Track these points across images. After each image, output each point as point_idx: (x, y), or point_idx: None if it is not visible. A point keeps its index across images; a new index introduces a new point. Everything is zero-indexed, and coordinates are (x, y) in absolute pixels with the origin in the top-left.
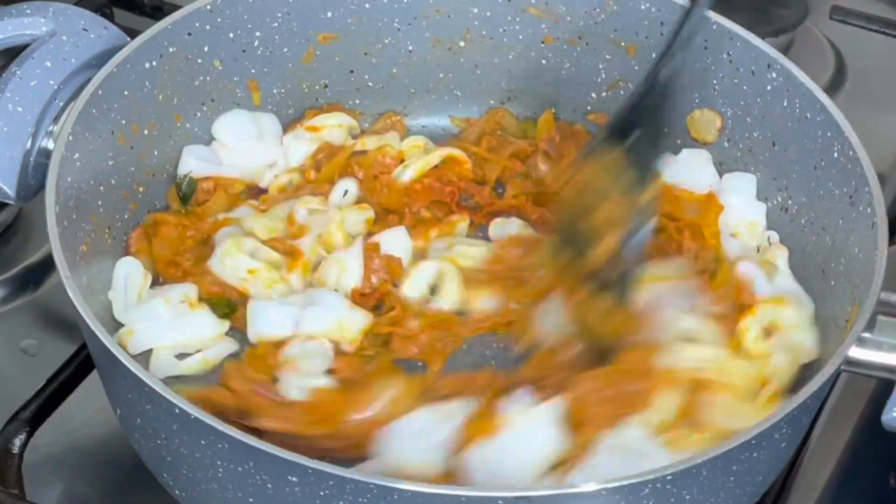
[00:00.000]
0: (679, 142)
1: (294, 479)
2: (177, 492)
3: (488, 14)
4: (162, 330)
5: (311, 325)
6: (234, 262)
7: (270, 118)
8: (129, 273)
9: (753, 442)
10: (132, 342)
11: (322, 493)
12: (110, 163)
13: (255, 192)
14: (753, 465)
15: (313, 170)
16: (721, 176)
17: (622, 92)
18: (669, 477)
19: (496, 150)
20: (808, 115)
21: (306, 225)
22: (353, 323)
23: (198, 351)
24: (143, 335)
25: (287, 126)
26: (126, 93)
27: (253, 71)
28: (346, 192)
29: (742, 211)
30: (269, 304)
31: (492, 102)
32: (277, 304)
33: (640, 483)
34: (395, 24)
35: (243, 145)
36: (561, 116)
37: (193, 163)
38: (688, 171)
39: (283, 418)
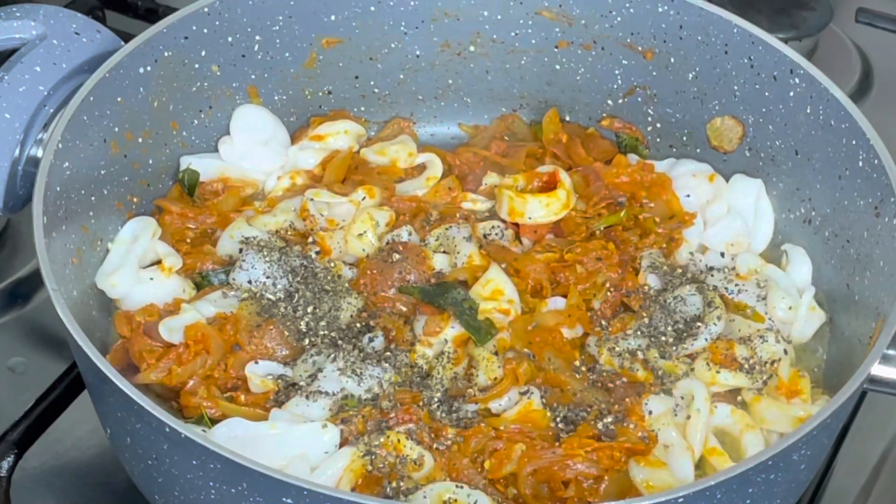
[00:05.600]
0: (699, 150)
1: (289, 500)
2: None
3: (499, 17)
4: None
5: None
6: (244, 233)
7: (283, 129)
8: (140, 234)
9: (770, 463)
10: (113, 293)
11: None
12: (102, 172)
13: (259, 195)
14: (770, 487)
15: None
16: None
17: (639, 99)
18: (681, 500)
19: (509, 155)
20: (833, 122)
21: (331, 217)
22: None
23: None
24: (129, 298)
25: (292, 136)
26: (119, 99)
27: (253, 76)
28: (364, 197)
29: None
30: (262, 256)
31: (503, 109)
32: (270, 260)
33: None
34: (402, 28)
35: (250, 147)
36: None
37: (192, 160)
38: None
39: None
